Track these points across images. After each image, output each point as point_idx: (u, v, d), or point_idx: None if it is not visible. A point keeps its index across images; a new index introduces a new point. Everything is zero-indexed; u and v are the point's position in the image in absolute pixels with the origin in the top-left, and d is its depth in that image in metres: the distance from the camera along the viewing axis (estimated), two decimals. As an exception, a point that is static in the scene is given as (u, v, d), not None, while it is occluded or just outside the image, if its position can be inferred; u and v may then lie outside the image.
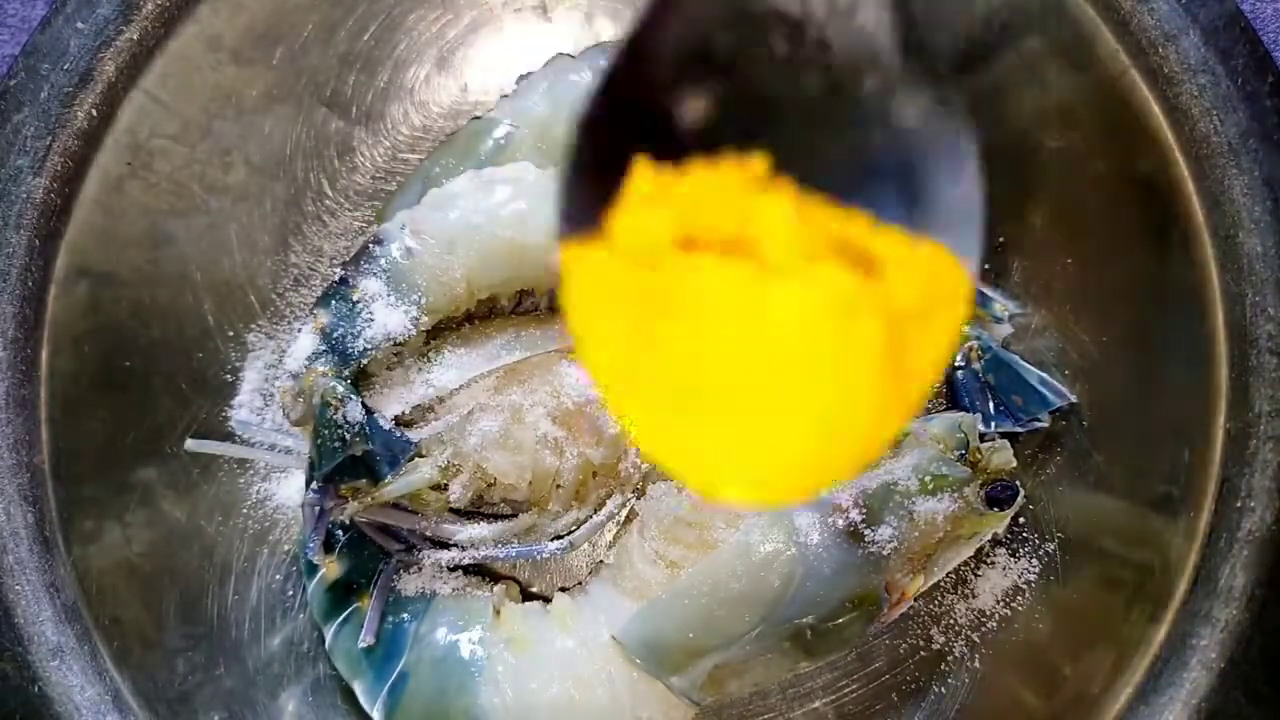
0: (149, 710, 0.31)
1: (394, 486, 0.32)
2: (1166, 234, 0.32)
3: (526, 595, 0.36)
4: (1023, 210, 0.36)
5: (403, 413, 0.33)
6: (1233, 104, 0.31)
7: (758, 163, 0.18)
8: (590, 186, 0.18)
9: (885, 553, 0.31)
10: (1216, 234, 0.31)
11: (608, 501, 0.35)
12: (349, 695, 0.33)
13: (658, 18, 0.18)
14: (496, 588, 0.35)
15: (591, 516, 0.35)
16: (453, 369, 0.34)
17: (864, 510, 0.32)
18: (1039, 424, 0.35)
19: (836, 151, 0.19)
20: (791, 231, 0.17)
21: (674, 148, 0.18)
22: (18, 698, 0.30)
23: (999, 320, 0.36)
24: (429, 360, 0.34)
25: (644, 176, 0.18)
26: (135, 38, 0.33)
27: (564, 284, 0.18)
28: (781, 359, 0.17)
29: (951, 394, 0.36)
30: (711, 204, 0.18)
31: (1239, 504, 0.30)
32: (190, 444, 0.34)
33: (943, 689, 0.34)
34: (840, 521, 0.32)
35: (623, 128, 0.19)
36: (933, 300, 0.18)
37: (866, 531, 0.32)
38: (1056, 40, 0.33)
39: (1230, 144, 0.31)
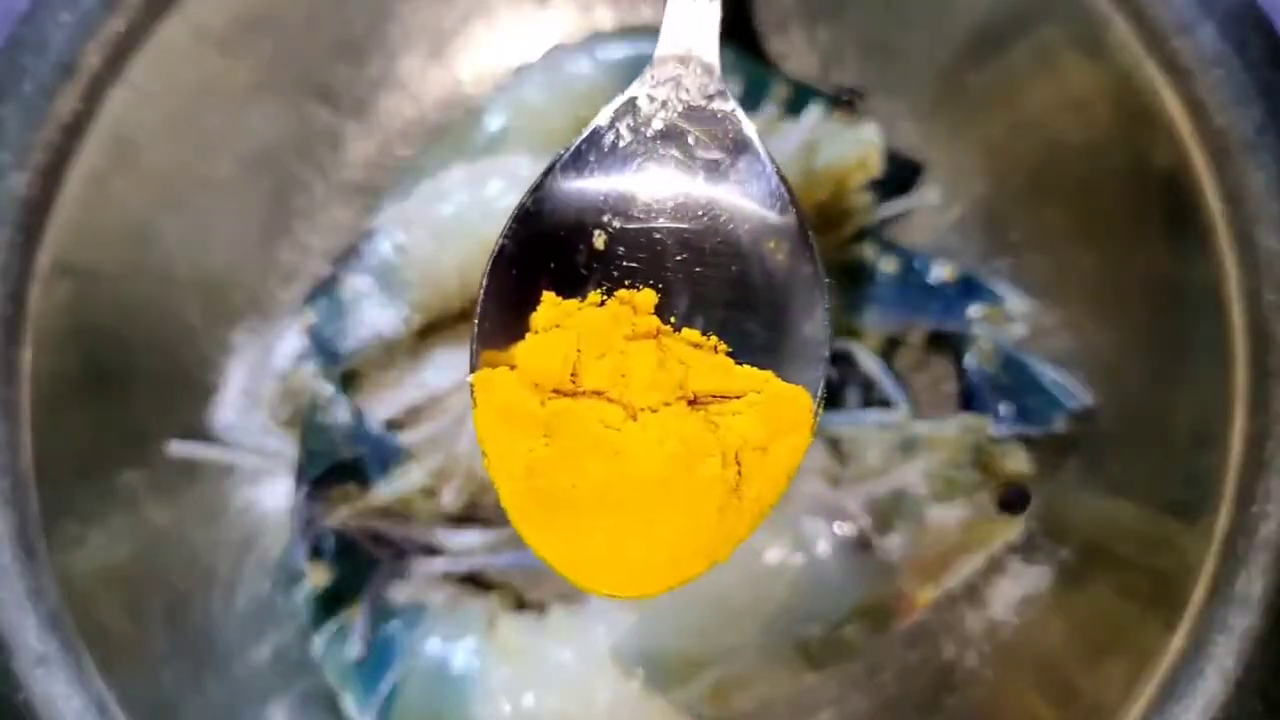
0: (136, 720, 0.30)
1: (384, 491, 0.32)
2: (1183, 230, 0.32)
3: (522, 605, 0.35)
4: (1035, 205, 0.36)
5: (393, 415, 0.33)
6: (1250, 97, 0.30)
7: (648, 296, 0.23)
8: (502, 317, 0.23)
9: (895, 560, 0.31)
10: (1234, 230, 0.30)
11: None
12: (339, 706, 0.33)
13: (570, 165, 0.24)
14: (490, 597, 0.34)
15: None
16: (446, 369, 0.33)
17: (873, 517, 0.31)
18: (1053, 427, 0.34)
19: (715, 290, 0.23)
20: (651, 381, 0.22)
21: (576, 282, 0.23)
22: (2, 707, 0.29)
23: (1012, 320, 0.35)
24: (421, 360, 0.34)
25: (549, 309, 0.23)
26: (120, 29, 0.32)
27: (475, 404, 0.22)
28: (639, 485, 0.22)
29: (963, 396, 0.35)
30: (599, 341, 0.22)
31: (1256, 509, 0.29)
32: (174, 447, 0.34)
33: (954, 701, 0.33)
34: (849, 529, 0.31)
35: (533, 264, 0.23)
36: (774, 432, 0.22)
37: (875, 539, 0.31)
38: (1070, 31, 0.33)
39: (1247, 138, 0.30)
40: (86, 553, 0.32)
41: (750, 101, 0.36)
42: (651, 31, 0.37)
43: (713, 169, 0.24)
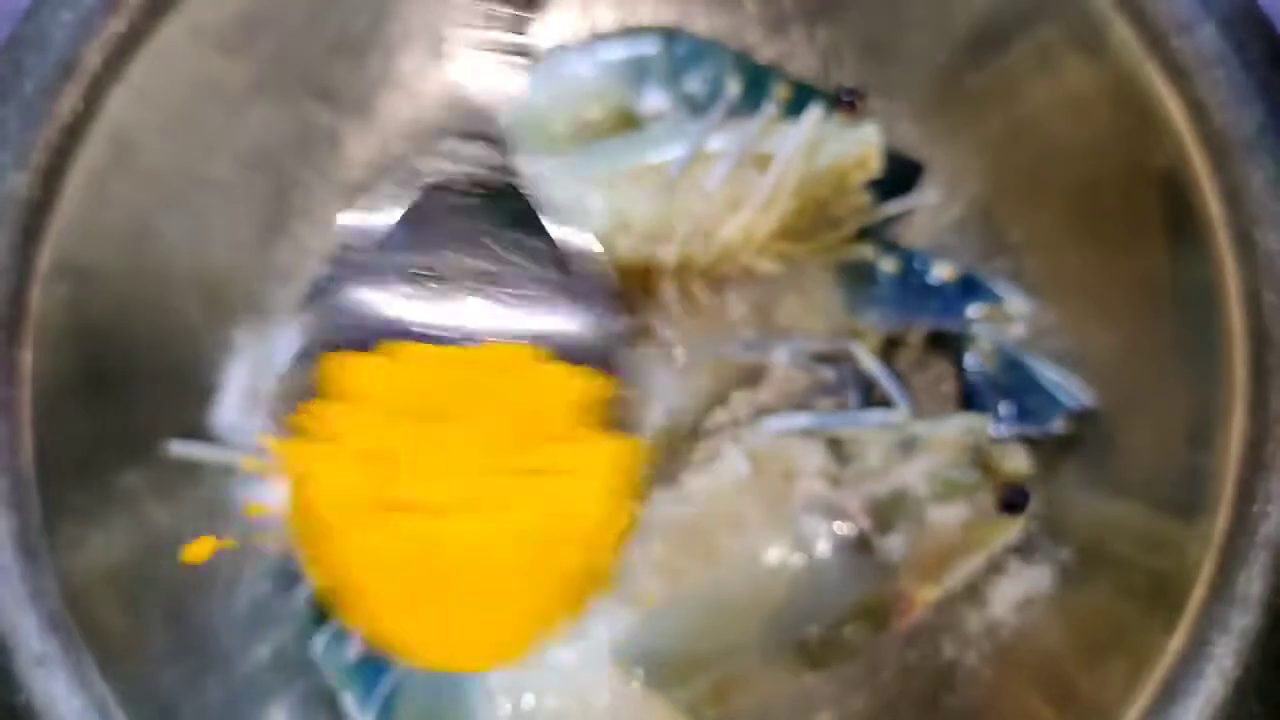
0: (136, 720, 0.30)
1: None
2: (1183, 230, 0.32)
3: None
4: (1036, 205, 0.36)
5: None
6: (1250, 97, 0.31)
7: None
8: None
9: (895, 561, 0.31)
10: (1234, 230, 0.30)
11: None
12: (339, 706, 0.33)
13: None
14: None
15: None
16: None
17: (873, 517, 0.31)
18: (1053, 427, 0.34)
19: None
20: (472, 460, 0.23)
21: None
22: (2, 708, 0.29)
23: (1012, 319, 0.35)
24: None
25: (356, 369, 0.24)
26: (120, 28, 0.32)
27: (292, 488, 0.23)
28: (480, 568, 0.23)
29: (963, 396, 0.35)
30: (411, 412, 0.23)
31: (1256, 509, 0.29)
32: (175, 447, 0.34)
33: (954, 700, 0.33)
34: (848, 529, 0.31)
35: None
36: (612, 498, 0.23)
37: (876, 539, 0.31)
38: (1070, 31, 0.33)
39: (1248, 138, 0.30)
40: (87, 553, 0.32)
41: (750, 101, 0.36)
42: (652, 32, 0.38)
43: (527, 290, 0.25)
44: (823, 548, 0.31)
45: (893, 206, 0.36)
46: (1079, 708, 0.31)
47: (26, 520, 0.30)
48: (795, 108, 0.36)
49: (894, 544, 0.31)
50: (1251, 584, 0.29)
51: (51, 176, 0.31)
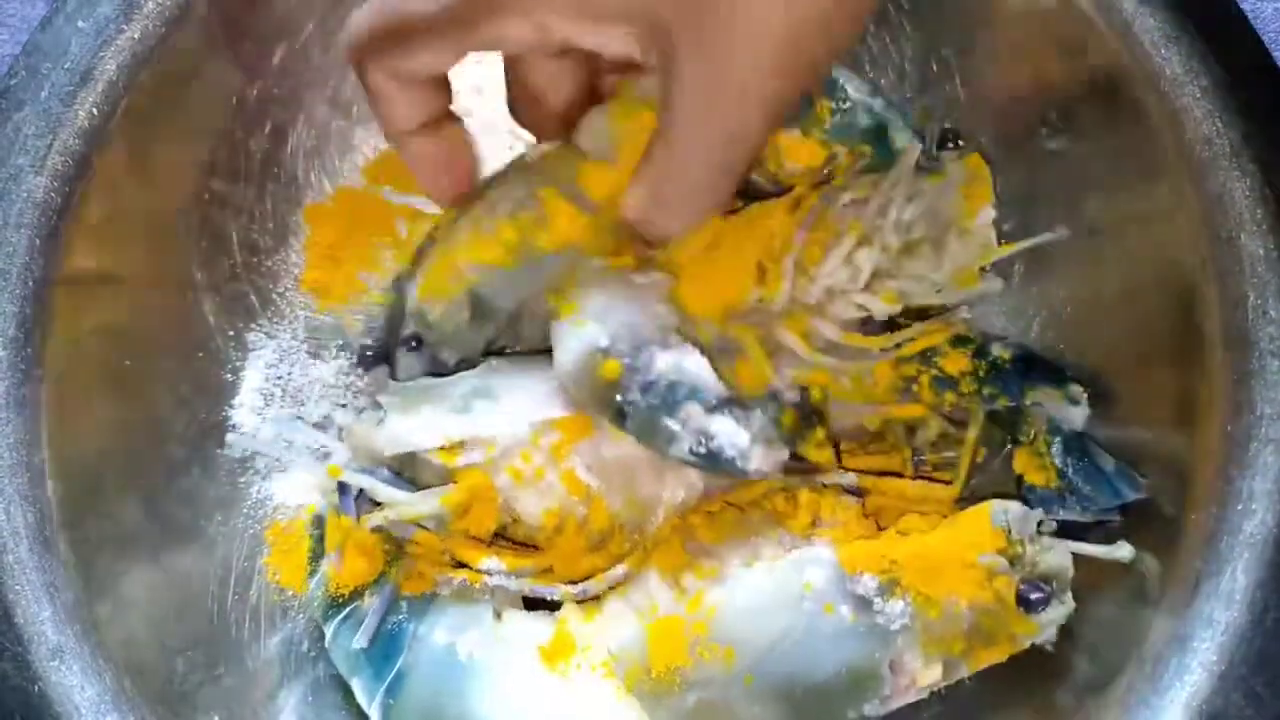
0: (149, 710, 0.30)
1: (420, 506, 0.32)
2: (1167, 237, 0.32)
3: (530, 604, 0.34)
4: (1022, 214, 0.36)
5: (440, 444, 0.33)
6: (1234, 105, 0.31)
7: None
8: None
9: (894, 628, 0.30)
10: (1218, 236, 0.31)
11: (628, 558, 0.33)
12: (349, 695, 0.33)
13: None
14: (498, 592, 0.34)
15: (610, 569, 0.33)
16: (499, 415, 0.33)
17: (881, 578, 0.30)
18: (1107, 518, 0.32)
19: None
20: None
21: None
22: (17, 697, 0.29)
23: (1075, 403, 0.34)
24: (477, 396, 0.33)
25: None
26: (136, 36, 0.32)
27: None
28: None
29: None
30: None
31: (1240, 507, 0.30)
32: (191, 443, 0.34)
33: (941, 690, 0.33)
34: (855, 586, 0.30)
35: None
36: None
37: (876, 600, 0.30)
38: (1056, 41, 0.33)
39: (1232, 145, 0.31)
40: (103, 547, 0.32)
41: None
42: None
43: None
44: (824, 595, 0.30)
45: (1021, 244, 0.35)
46: (1065, 699, 0.32)
47: (43, 514, 0.31)
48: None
49: (895, 610, 0.30)
50: (1236, 580, 0.29)
51: (70, 181, 0.32)
